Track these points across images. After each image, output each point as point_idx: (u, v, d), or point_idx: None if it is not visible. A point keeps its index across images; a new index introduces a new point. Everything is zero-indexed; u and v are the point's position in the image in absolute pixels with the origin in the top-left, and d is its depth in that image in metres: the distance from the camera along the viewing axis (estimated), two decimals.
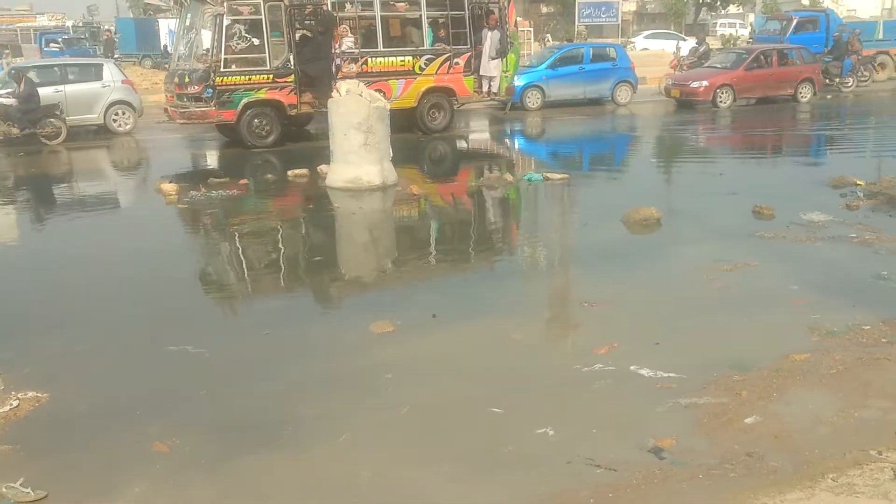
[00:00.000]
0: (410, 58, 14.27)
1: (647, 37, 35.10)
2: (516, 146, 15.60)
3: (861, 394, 4.34)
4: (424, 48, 14.49)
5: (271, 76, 13.16)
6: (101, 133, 15.53)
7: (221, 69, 12.78)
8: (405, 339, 5.29)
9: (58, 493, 3.58)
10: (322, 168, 10.75)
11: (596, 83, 19.30)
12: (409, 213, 9.52)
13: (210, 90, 12.78)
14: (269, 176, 11.23)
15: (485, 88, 15.21)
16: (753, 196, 8.81)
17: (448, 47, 14.51)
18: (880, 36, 23.18)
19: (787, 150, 14.38)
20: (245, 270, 7.37)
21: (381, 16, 14.00)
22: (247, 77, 13.04)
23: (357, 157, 9.90)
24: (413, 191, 9.95)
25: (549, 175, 10.61)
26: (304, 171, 11.06)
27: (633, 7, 36.89)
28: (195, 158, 14.12)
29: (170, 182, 10.24)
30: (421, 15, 14.45)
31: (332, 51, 13.49)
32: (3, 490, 3.55)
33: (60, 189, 11.63)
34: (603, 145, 15.34)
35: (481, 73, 15.07)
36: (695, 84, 18.65)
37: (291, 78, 13.28)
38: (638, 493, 3.47)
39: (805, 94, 19.23)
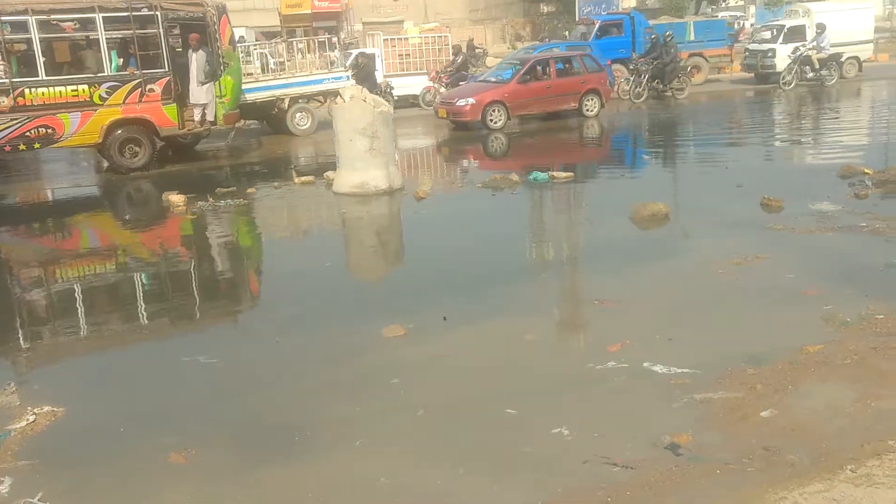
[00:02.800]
0: (86, 86, 12.18)
1: None
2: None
3: (877, 384, 4.31)
4: (106, 74, 12.41)
5: None
6: None
7: None
8: (417, 342, 5.29)
9: None
10: (329, 174, 10.80)
11: None
12: (417, 217, 9.52)
13: None
14: (276, 184, 11.27)
15: (197, 118, 13.36)
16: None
17: (137, 72, 12.57)
18: (691, 37, 22.13)
19: None
20: (253, 278, 7.39)
21: (41, 38, 11.88)
22: None
23: (363, 163, 9.95)
24: (419, 194, 9.96)
25: (554, 175, 10.63)
26: (311, 178, 11.11)
27: (632, 3, 36.68)
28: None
29: (177, 193, 10.28)
30: (98, 35, 12.35)
31: None
32: None
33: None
34: None
35: (190, 100, 13.33)
36: (461, 102, 16.04)
37: None
38: (655, 491, 3.46)
39: (592, 107, 16.90)
